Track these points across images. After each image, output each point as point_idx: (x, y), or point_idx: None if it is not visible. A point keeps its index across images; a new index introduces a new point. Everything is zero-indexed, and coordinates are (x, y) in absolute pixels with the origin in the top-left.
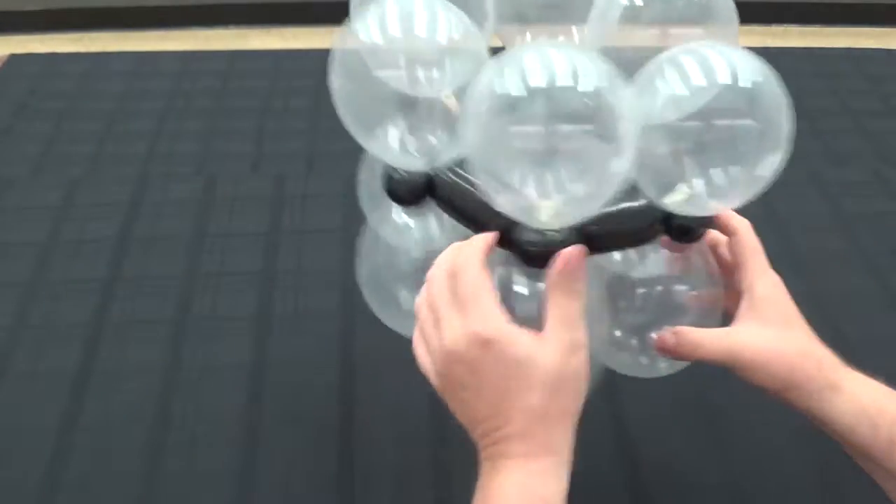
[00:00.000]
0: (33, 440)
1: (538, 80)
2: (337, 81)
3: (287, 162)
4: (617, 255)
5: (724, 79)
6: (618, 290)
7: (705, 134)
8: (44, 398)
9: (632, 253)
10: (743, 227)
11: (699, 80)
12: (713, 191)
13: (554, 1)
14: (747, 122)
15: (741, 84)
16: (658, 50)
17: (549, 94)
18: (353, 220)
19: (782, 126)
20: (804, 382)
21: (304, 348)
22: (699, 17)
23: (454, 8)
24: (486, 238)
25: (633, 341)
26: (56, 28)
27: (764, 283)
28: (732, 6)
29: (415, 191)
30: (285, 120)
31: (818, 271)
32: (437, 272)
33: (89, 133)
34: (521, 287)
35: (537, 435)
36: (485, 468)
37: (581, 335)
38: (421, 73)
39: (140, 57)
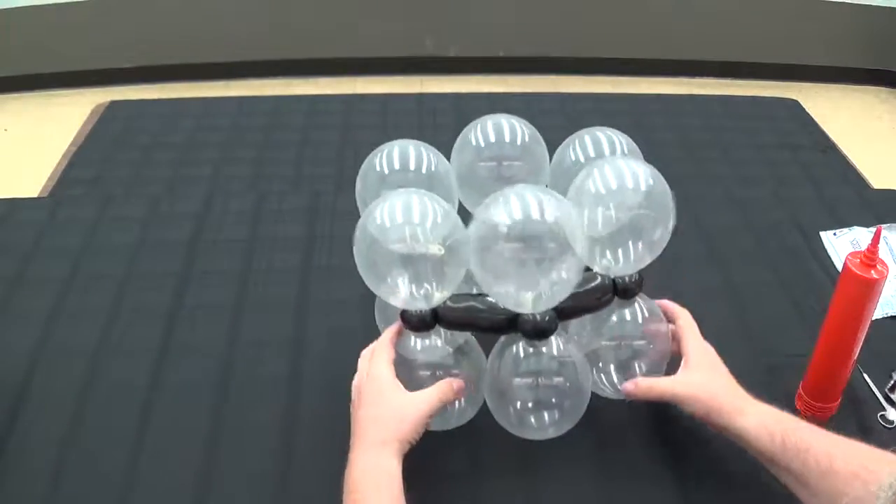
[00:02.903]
0: (126, 397)
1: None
2: (357, 249)
3: (320, 182)
4: (614, 318)
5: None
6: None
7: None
8: (134, 365)
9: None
10: (683, 314)
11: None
12: (637, 255)
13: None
14: (646, 211)
15: (642, 188)
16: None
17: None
18: None
19: (669, 210)
20: (720, 410)
21: (335, 328)
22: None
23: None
24: (392, 331)
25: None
26: (144, 81)
27: (695, 349)
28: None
29: (425, 321)
30: (319, 149)
31: (730, 264)
32: (366, 351)
33: (168, 160)
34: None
35: (378, 434)
36: (349, 459)
37: (426, 408)
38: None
39: (208, 102)
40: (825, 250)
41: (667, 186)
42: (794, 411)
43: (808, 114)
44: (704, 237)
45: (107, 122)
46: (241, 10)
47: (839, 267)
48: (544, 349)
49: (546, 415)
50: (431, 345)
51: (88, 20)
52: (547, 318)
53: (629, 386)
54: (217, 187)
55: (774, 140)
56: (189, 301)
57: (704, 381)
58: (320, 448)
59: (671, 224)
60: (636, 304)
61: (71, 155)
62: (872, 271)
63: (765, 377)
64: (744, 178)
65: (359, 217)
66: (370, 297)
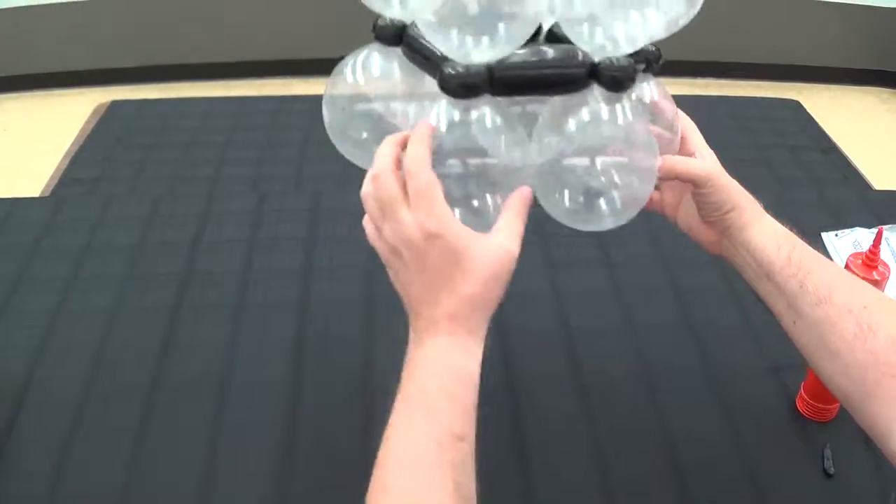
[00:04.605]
0: (127, 396)
1: None
2: None
3: (322, 181)
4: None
5: None
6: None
7: None
8: (135, 364)
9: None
10: (682, 116)
11: None
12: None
13: None
14: None
15: None
16: None
17: None
18: None
19: None
20: (743, 207)
21: (336, 328)
22: None
23: None
24: (427, 137)
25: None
26: (146, 80)
27: (706, 148)
28: None
29: (473, 83)
30: (321, 149)
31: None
32: (385, 168)
33: (170, 160)
34: (472, 194)
35: (462, 318)
36: (413, 342)
37: (516, 249)
38: None
39: (209, 102)
40: (827, 251)
41: None
42: (796, 413)
43: (809, 114)
44: None
45: (108, 122)
46: (243, 10)
47: None
48: (607, 117)
49: (604, 200)
50: (479, 119)
51: (90, 20)
52: (626, 63)
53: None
54: (218, 187)
55: (775, 141)
56: (190, 301)
57: (728, 178)
58: (321, 448)
59: None
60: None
61: (72, 154)
62: (874, 272)
63: (767, 379)
64: (745, 179)
65: (358, 216)
66: (372, 299)
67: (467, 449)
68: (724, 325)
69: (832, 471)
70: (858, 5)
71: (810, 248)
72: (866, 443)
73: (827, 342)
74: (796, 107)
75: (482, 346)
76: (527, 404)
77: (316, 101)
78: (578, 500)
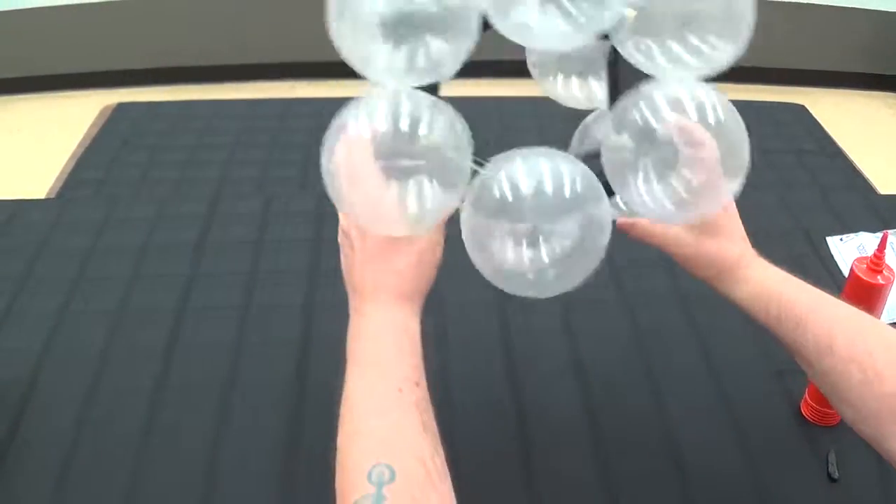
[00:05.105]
0: (132, 398)
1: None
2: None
3: None
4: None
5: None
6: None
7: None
8: (140, 366)
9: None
10: (709, 144)
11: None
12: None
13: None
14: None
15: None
16: None
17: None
18: None
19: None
20: (720, 275)
21: (341, 330)
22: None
23: None
24: (366, 140)
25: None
26: (152, 82)
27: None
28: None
29: None
30: None
31: None
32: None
33: (176, 162)
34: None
35: (396, 289)
36: (353, 315)
37: (441, 240)
38: None
39: (215, 104)
40: (831, 255)
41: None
42: (801, 417)
43: (814, 119)
44: None
45: (114, 124)
46: (248, 12)
47: (845, 272)
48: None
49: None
50: None
51: (97, 22)
52: None
53: (625, 225)
54: (224, 189)
55: (781, 145)
56: (195, 303)
57: (705, 244)
58: (326, 449)
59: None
60: None
61: (78, 156)
62: (879, 277)
63: (772, 383)
64: (749, 183)
65: None
66: None
67: (424, 393)
68: (728, 329)
69: (836, 475)
70: (864, 9)
71: (806, 292)
72: (871, 448)
73: (838, 390)
74: (802, 111)
75: (419, 315)
76: (529, 405)
77: (321, 104)
78: (581, 500)
